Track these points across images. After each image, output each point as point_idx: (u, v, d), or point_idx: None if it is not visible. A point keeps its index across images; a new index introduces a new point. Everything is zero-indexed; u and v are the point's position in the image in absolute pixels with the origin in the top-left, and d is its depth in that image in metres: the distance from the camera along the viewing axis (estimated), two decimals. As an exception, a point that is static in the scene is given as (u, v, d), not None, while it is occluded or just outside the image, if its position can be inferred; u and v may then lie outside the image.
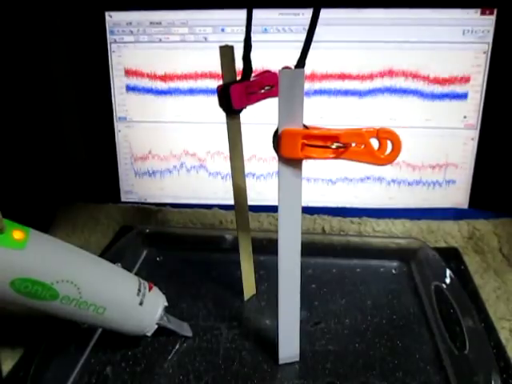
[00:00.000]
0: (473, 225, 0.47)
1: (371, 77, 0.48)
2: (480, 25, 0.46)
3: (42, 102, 0.52)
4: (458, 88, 0.47)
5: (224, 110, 0.31)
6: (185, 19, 0.49)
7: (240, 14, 0.48)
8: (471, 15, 0.46)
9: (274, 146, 0.26)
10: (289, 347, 0.32)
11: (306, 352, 0.33)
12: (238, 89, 0.30)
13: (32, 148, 0.51)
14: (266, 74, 0.32)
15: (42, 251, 0.27)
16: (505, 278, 0.41)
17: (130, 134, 0.53)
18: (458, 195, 0.50)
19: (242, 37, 0.29)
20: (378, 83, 0.48)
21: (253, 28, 0.29)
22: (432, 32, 0.46)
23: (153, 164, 0.53)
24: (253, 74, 0.31)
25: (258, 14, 0.29)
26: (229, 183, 0.35)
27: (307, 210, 0.49)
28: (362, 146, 0.24)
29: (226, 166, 0.51)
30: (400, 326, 0.36)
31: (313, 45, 0.24)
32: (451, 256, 0.44)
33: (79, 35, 0.50)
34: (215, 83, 0.31)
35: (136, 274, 0.34)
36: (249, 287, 0.39)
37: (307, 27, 0.23)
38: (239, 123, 0.32)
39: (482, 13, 0.46)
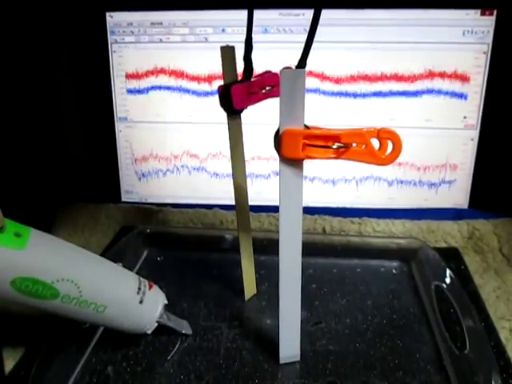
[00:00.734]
0: (473, 225, 0.47)
1: (371, 77, 0.48)
2: (480, 25, 0.46)
3: (42, 102, 0.52)
4: (457, 88, 0.47)
5: (225, 110, 0.31)
6: (185, 19, 0.49)
7: (240, 15, 0.48)
8: (471, 16, 0.46)
9: (275, 146, 0.26)
10: (289, 347, 0.32)
11: (306, 352, 0.33)
12: (238, 89, 0.30)
13: (33, 148, 0.51)
14: (267, 75, 0.32)
15: (42, 250, 0.27)
16: (505, 278, 0.41)
17: (130, 134, 0.53)
18: (457, 195, 0.50)
19: (242, 37, 0.29)
20: (378, 83, 0.48)
21: (253, 28, 0.29)
22: (432, 32, 0.46)
23: (153, 164, 0.53)
24: (253, 75, 0.31)
25: (258, 14, 0.29)
26: (229, 183, 0.35)
27: (308, 210, 0.49)
28: (363, 146, 0.24)
29: (226, 166, 0.51)
30: (400, 325, 0.36)
31: (313, 45, 0.24)
32: (451, 256, 0.44)
33: (80, 35, 0.50)
34: (216, 83, 0.31)
35: (137, 273, 0.34)
36: (249, 287, 0.39)
37: (308, 28, 0.23)
38: (240, 123, 0.32)
39: (482, 13, 0.46)
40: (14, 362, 0.33)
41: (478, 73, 0.47)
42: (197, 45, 0.49)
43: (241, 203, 0.35)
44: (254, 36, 0.29)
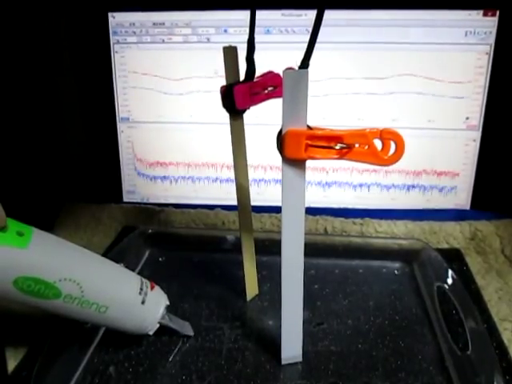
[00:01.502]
0: (475, 226, 0.47)
1: (373, 78, 0.48)
2: (482, 26, 0.46)
3: (45, 103, 0.52)
4: (460, 89, 0.47)
5: (227, 110, 0.31)
6: (188, 20, 0.49)
7: (243, 15, 0.48)
8: (473, 16, 0.46)
9: (277, 147, 0.26)
10: (291, 347, 0.32)
11: (308, 352, 0.33)
12: (241, 89, 0.30)
13: (35, 148, 0.51)
14: (270, 75, 0.32)
15: (44, 250, 0.27)
16: (507, 279, 0.41)
17: (132, 134, 0.53)
18: (459, 196, 0.50)
19: (244, 38, 0.29)
20: (380, 84, 0.48)
21: (255, 29, 0.29)
22: (434, 33, 0.46)
23: (155, 164, 0.53)
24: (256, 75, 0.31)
25: (260, 14, 0.29)
26: (231, 183, 0.35)
27: (309, 211, 0.49)
28: (366, 147, 0.24)
29: (228, 167, 0.51)
30: (402, 326, 0.36)
31: (316, 45, 0.24)
32: (453, 257, 0.44)
33: (82, 36, 0.51)
34: (218, 84, 0.31)
35: (138, 274, 0.34)
36: (251, 287, 0.39)
37: (310, 28, 0.23)
38: (242, 124, 0.32)
39: (485, 14, 0.46)
40: (16, 362, 0.33)
41: (480, 73, 0.47)
42: (199, 45, 0.49)
43: (243, 203, 0.35)
44: (256, 36, 0.29)
